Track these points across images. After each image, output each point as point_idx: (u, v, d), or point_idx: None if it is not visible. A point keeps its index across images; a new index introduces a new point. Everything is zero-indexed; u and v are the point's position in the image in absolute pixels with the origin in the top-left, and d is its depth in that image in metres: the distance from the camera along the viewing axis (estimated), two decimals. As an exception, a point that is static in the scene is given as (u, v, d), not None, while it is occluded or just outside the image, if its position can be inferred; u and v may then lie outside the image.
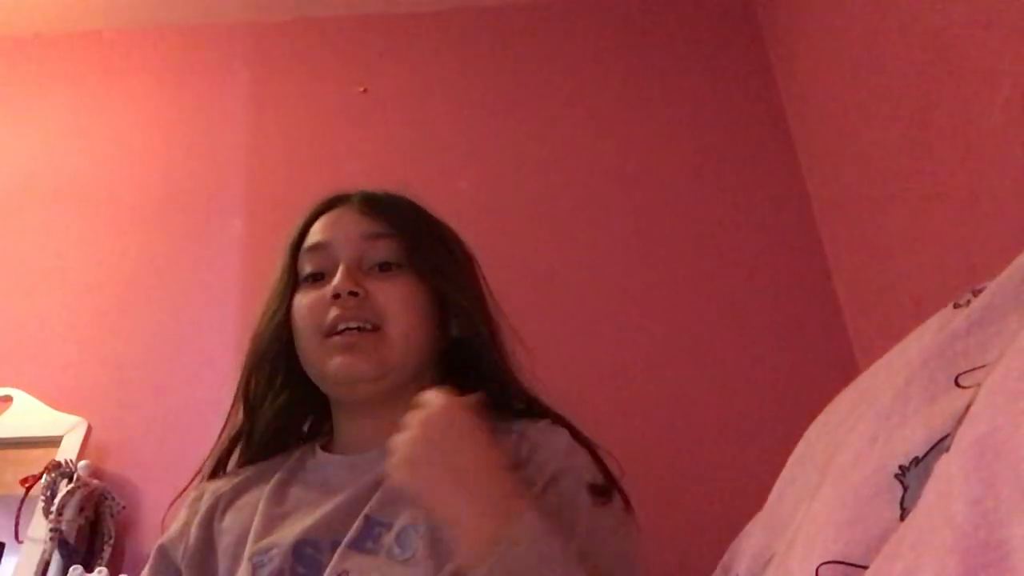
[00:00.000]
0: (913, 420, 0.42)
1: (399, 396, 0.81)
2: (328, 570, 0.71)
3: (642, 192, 1.57)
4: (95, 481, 1.29)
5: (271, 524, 0.79)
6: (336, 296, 0.82)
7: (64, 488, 1.24)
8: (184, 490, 0.92)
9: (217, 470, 0.92)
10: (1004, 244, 0.93)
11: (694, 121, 1.63)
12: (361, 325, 0.82)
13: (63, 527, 1.22)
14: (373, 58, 1.76)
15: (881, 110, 1.22)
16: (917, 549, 0.33)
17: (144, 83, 1.77)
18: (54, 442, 1.34)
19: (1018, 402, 0.33)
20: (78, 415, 1.38)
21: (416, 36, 1.77)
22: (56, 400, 1.40)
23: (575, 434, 0.83)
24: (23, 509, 1.25)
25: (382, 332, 0.82)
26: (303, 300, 0.86)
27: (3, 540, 1.25)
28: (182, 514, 0.88)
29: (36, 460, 1.31)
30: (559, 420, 0.85)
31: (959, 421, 0.37)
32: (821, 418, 0.60)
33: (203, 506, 0.87)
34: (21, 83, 1.78)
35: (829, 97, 1.42)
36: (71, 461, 1.29)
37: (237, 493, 0.87)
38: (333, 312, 0.82)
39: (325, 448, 0.89)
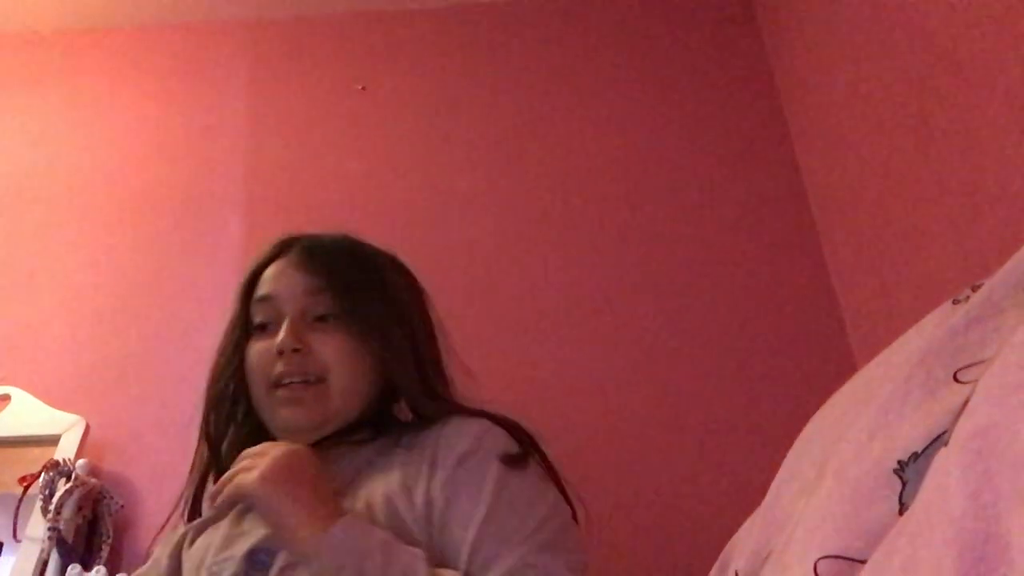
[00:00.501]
0: (912, 415, 0.42)
1: (343, 432, 0.91)
2: (274, 567, 0.76)
3: (641, 191, 1.57)
4: (93, 480, 1.29)
5: (230, 542, 0.83)
6: (281, 352, 0.88)
7: (62, 487, 1.24)
8: (163, 527, 0.96)
9: (194, 511, 0.96)
10: (1002, 242, 0.94)
11: (692, 121, 1.63)
12: (305, 379, 0.89)
13: (61, 526, 1.22)
14: (371, 56, 1.76)
15: (879, 109, 1.22)
16: (916, 543, 0.33)
17: (142, 82, 1.77)
18: (52, 441, 1.34)
19: (1015, 396, 0.33)
20: (76, 413, 1.38)
21: (414, 34, 1.77)
22: (54, 398, 1.40)
23: (494, 420, 0.87)
24: (21, 508, 1.25)
25: (326, 383, 0.89)
26: (254, 348, 0.93)
27: (1, 539, 1.25)
28: (156, 551, 0.94)
29: (34, 459, 1.31)
30: (478, 413, 0.89)
31: (958, 416, 0.37)
32: (820, 414, 0.60)
33: (174, 540, 0.92)
34: (19, 82, 1.78)
35: (827, 97, 1.42)
36: (69, 460, 1.29)
37: (205, 524, 0.91)
38: (279, 367, 0.89)
39: None
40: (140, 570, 0.92)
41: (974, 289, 0.50)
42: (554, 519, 0.79)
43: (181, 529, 0.93)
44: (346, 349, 0.90)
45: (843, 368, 1.34)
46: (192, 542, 0.89)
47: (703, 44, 1.71)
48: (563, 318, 1.46)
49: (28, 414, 1.38)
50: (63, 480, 1.26)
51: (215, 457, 0.95)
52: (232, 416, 0.96)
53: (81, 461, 1.30)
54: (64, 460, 1.28)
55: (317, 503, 0.77)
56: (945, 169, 1.06)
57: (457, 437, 0.83)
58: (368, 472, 0.85)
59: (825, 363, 1.37)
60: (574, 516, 0.86)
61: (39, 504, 1.24)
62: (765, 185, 1.55)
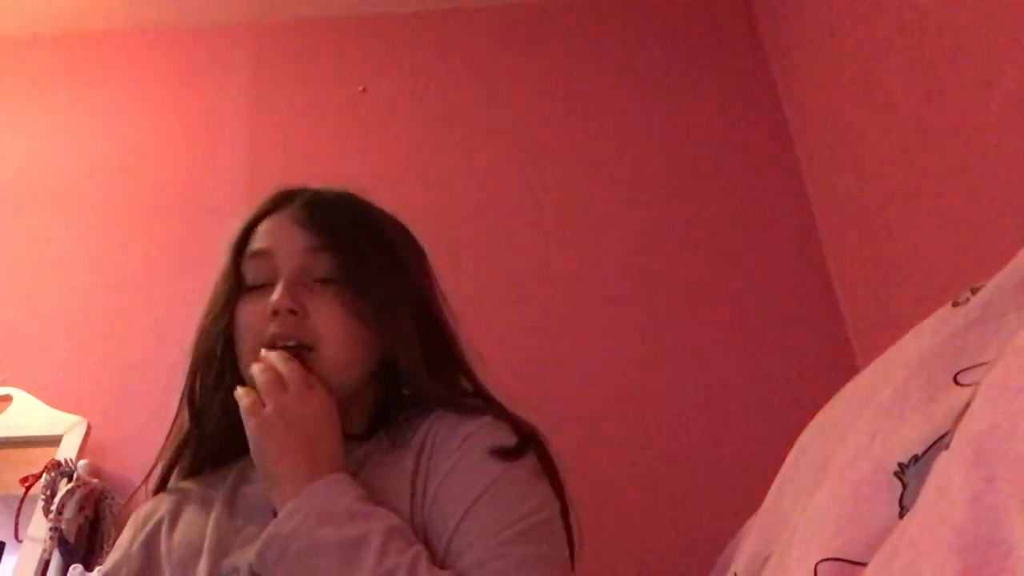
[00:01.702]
0: (912, 418, 0.42)
1: (341, 405, 0.84)
2: None
3: (640, 192, 1.57)
4: (95, 480, 1.29)
5: (227, 539, 0.79)
6: (275, 312, 0.82)
7: (64, 487, 1.24)
8: (133, 494, 0.89)
9: (165, 481, 0.90)
10: (1002, 243, 0.93)
11: (693, 122, 1.63)
12: (297, 343, 0.82)
13: (63, 526, 1.22)
14: (372, 58, 1.76)
15: (879, 110, 1.22)
16: (917, 546, 0.33)
17: (143, 84, 1.77)
18: (54, 441, 1.34)
19: (1017, 400, 0.33)
20: (78, 414, 1.38)
21: (415, 36, 1.77)
22: (56, 399, 1.40)
23: (495, 414, 0.84)
24: (23, 508, 1.25)
25: (316, 352, 0.82)
26: (245, 307, 0.86)
27: (3, 539, 1.25)
28: (125, 535, 0.87)
29: (36, 459, 1.31)
30: (488, 410, 0.85)
31: (958, 419, 0.37)
32: (820, 417, 0.60)
33: (147, 525, 0.85)
34: (20, 84, 1.78)
35: (828, 97, 1.42)
36: (71, 460, 1.29)
37: (181, 508, 0.85)
38: (271, 328, 0.82)
39: None
40: (109, 563, 0.84)
41: (974, 291, 0.50)
42: (537, 514, 0.76)
43: (149, 509, 0.87)
44: (342, 316, 0.83)
45: (845, 370, 1.34)
46: (172, 526, 0.83)
47: (704, 47, 1.71)
48: (561, 321, 1.45)
49: (30, 415, 1.38)
50: (65, 480, 1.26)
51: (197, 426, 0.90)
52: (219, 381, 0.90)
53: (83, 462, 1.30)
54: (66, 460, 1.28)
55: (313, 457, 0.74)
56: (946, 170, 1.06)
57: (455, 436, 0.80)
58: (371, 470, 0.80)
59: (826, 365, 1.37)
60: (566, 513, 0.81)
61: (41, 504, 1.24)
62: (766, 187, 1.55)
